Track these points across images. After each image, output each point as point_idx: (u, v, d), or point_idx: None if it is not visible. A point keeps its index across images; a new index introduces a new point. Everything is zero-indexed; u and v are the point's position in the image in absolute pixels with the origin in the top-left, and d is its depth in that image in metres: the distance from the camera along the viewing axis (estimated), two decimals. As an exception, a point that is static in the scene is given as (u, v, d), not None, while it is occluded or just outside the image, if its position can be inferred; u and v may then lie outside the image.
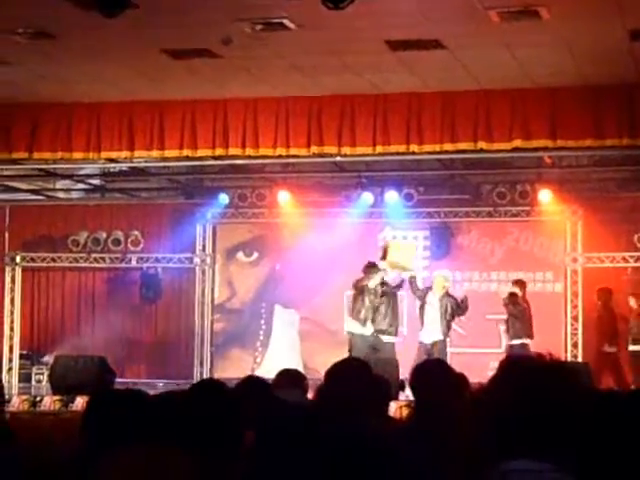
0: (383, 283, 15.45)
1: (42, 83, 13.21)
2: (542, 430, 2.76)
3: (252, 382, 5.19)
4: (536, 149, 13.92)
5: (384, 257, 15.53)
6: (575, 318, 17.81)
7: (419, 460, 3.17)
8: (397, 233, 18.79)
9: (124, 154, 14.52)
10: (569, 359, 16.89)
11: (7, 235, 19.74)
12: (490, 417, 2.86)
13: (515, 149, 13.61)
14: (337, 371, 5.21)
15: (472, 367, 16.00)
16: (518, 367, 2.89)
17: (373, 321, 15.28)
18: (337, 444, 2.20)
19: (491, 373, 3.00)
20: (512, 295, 16.28)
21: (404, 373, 12.56)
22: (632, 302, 16.89)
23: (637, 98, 12.74)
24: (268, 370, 15.94)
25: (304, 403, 3.96)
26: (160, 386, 17.08)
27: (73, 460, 3.89)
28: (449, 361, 12.22)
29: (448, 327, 15.67)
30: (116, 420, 3.90)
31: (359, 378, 4.65)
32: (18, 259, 19.57)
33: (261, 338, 18.78)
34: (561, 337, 17.54)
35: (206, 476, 3.59)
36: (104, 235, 19.32)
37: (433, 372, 5.38)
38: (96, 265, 19.45)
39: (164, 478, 3.67)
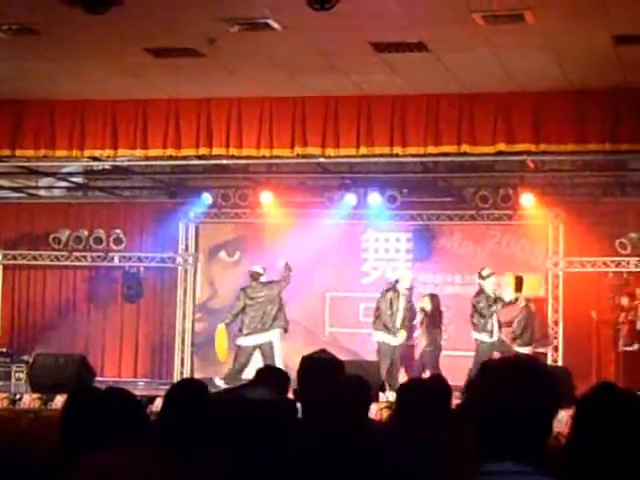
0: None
1: (25, 80, 13.16)
2: (521, 433, 2.76)
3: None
4: (519, 153, 13.96)
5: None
6: (556, 322, 17.85)
7: (398, 461, 3.17)
8: (379, 235, 18.80)
9: (107, 152, 14.48)
10: (550, 363, 16.93)
11: (-12, 233, 19.67)
12: (471, 419, 2.86)
13: (498, 153, 13.64)
14: (311, 371, 5.20)
15: (455, 370, 16.10)
16: (497, 370, 2.90)
17: None
18: (309, 444, 2.20)
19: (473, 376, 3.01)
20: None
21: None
22: (624, 301, 17.03)
23: (620, 103, 12.79)
24: (248, 370, 15.93)
25: (268, 401, 3.92)
26: (140, 385, 17.03)
27: (52, 459, 3.86)
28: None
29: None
30: (95, 419, 3.88)
31: (333, 378, 4.65)
32: (-1, 257, 19.51)
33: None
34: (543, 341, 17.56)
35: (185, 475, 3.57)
36: (86, 233, 19.24)
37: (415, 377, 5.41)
38: (77, 263, 19.38)
39: None
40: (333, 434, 2.22)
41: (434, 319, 16.80)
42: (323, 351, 6.19)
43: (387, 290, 16.28)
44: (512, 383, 2.81)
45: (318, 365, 5.55)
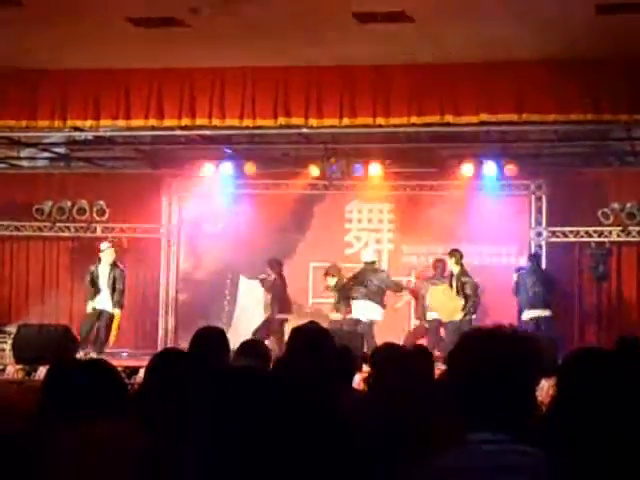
0: None
1: (6, 50, 13.07)
2: (502, 401, 2.78)
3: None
4: (502, 123, 13.98)
5: None
6: (539, 292, 17.92)
7: (373, 429, 3.19)
8: (363, 206, 18.82)
9: (89, 123, 14.42)
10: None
11: (-30, 204, 19.60)
12: (451, 388, 2.89)
13: (481, 123, 13.66)
14: (298, 340, 5.23)
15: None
16: (477, 338, 2.92)
17: None
18: (286, 412, 2.22)
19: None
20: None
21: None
22: None
23: (602, 73, 12.80)
24: (233, 342, 15.95)
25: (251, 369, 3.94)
26: (124, 356, 17.04)
27: (34, 429, 3.88)
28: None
29: None
30: (76, 390, 3.89)
31: (319, 347, 4.68)
32: (-19, 228, 19.45)
33: (226, 309, 18.76)
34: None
35: (165, 455, 3.59)
36: (69, 204, 19.20)
37: (390, 346, 5.44)
38: (61, 234, 19.35)
39: (123, 452, 3.68)
40: (303, 401, 2.24)
41: None
42: (312, 322, 6.25)
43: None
44: (492, 351, 2.83)
45: (307, 335, 5.60)
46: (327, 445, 2.20)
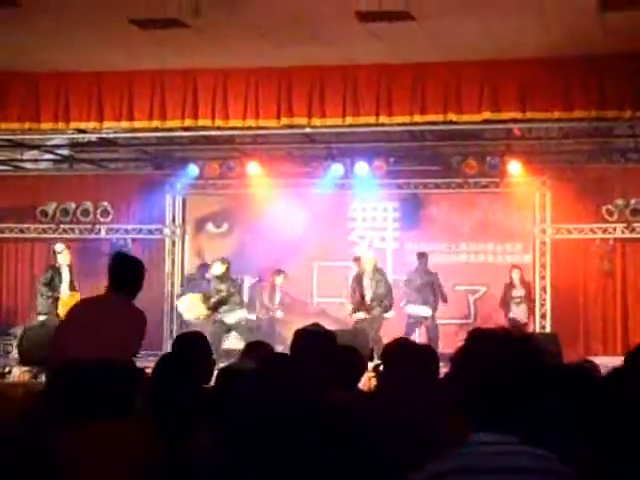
0: None
1: (9, 52, 13.07)
2: (508, 402, 2.78)
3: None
4: (505, 121, 13.97)
5: None
6: (544, 289, 17.94)
7: (381, 429, 3.18)
8: (367, 205, 18.82)
9: (93, 125, 14.42)
10: (537, 330, 17.01)
11: (-26, 206, 19.61)
12: (458, 389, 2.88)
13: (485, 121, 13.64)
14: (302, 342, 5.22)
15: (441, 338, 16.19)
16: (483, 340, 2.91)
17: None
18: (289, 413, 2.21)
19: (460, 344, 3.02)
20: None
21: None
22: None
23: (606, 69, 12.77)
24: (237, 342, 15.98)
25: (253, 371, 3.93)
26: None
27: (39, 431, 3.88)
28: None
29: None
30: (82, 390, 3.89)
31: (323, 349, 4.67)
32: (-14, 230, 19.48)
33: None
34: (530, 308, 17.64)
35: (170, 449, 3.60)
36: (73, 206, 19.23)
37: (400, 346, 5.42)
38: (65, 236, 19.35)
39: (130, 452, 3.68)
40: (306, 403, 2.23)
41: None
42: (316, 325, 6.24)
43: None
44: (497, 352, 2.83)
45: (312, 338, 5.59)
46: (337, 449, 2.20)
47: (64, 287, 16.80)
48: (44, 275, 17.04)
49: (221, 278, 16.36)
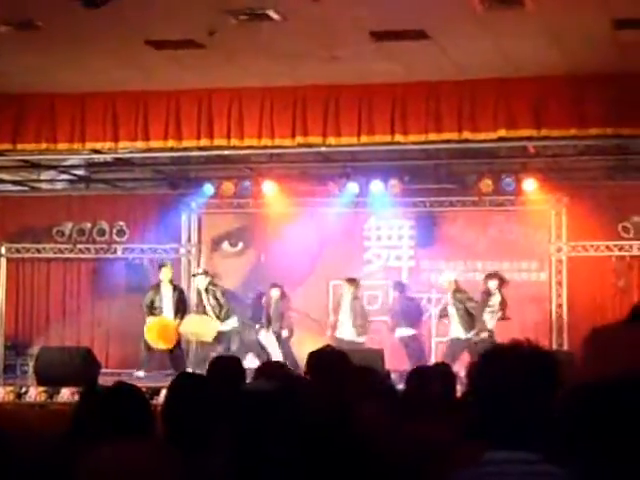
0: None
1: (26, 73, 13.16)
2: (524, 419, 2.77)
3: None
4: (521, 138, 13.96)
5: None
6: (560, 307, 17.87)
7: (404, 452, 3.18)
8: (382, 223, 18.81)
9: (108, 145, 14.49)
10: (554, 348, 16.94)
11: (-9, 226, 19.69)
12: (474, 407, 2.87)
13: (500, 139, 13.64)
14: (318, 366, 5.22)
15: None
16: (499, 357, 2.90)
17: None
18: (310, 435, 2.21)
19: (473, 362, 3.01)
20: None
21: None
22: None
23: (621, 87, 12.77)
24: (253, 361, 15.96)
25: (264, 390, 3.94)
26: (140, 375, 17.02)
27: (59, 452, 3.89)
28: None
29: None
30: (104, 416, 3.91)
31: (340, 372, 4.66)
32: (3, 250, 19.51)
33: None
34: (546, 326, 17.59)
35: (190, 472, 3.60)
36: (89, 226, 19.27)
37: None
38: (81, 256, 19.41)
39: (152, 476, 3.68)
40: (324, 428, 2.23)
41: None
42: (328, 347, 6.24)
43: None
44: (513, 370, 2.82)
45: (325, 359, 5.59)
46: (356, 472, 2.20)
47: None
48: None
49: (209, 291, 16.90)
